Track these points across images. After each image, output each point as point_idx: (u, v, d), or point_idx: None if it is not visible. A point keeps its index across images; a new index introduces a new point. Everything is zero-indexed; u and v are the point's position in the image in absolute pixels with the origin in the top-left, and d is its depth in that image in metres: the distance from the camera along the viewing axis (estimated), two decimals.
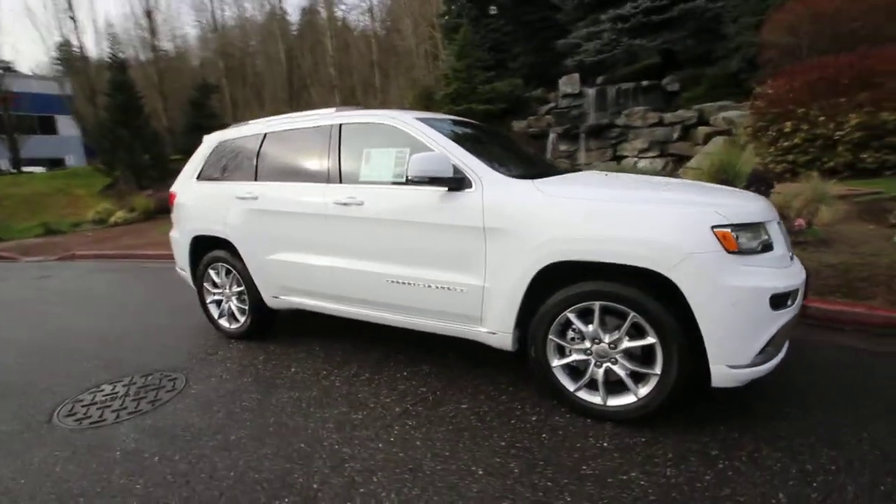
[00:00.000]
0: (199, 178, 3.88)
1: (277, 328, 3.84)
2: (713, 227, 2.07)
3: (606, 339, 2.31)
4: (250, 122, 3.83)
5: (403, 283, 2.80)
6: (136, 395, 2.91)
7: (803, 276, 2.30)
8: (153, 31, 21.12)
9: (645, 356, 2.29)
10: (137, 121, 15.32)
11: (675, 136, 12.84)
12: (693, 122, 12.67)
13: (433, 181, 2.55)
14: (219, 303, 3.85)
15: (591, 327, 2.34)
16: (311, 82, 23.67)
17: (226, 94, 21.42)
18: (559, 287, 2.38)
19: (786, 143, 8.00)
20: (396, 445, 2.26)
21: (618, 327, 2.30)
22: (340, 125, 3.13)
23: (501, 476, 2.01)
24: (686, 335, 2.14)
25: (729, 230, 2.07)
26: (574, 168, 10.52)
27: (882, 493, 1.83)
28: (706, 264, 2.05)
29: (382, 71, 22.28)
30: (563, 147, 14.93)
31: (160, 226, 10.54)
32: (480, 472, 2.04)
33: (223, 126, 16.04)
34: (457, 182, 2.57)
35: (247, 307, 3.64)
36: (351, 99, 22.37)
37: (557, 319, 2.39)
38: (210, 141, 3.92)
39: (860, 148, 7.23)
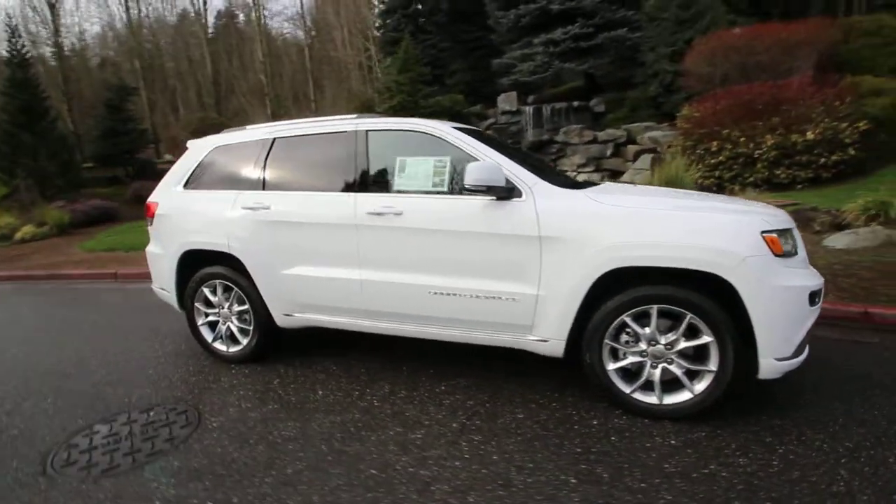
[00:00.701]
0: (187, 186, 3.51)
1: (276, 349, 3.54)
2: (762, 233, 2.28)
3: (662, 340, 2.43)
4: (248, 126, 3.55)
5: (448, 294, 2.74)
6: (145, 434, 2.53)
7: (821, 277, 2.60)
8: (56, 26, 18.72)
9: (695, 355, 2.44)
10: (42, 124, 13.40)
11: (609, 152, 13.87)
12: (623, 140, 13.79)
13: (489, 190, 2.54)
14: (213, 324, 3.49)
15: (647, 329, 2.44)
16: (242, 90, 22.38)
17: (143, 98, 19.51)
18: (613, 293, 2.46)
19: (713, 161, 8.96)
20: (474, 462, 2.19)
21: (670, 329, 2.43)
22: (367, 132, 3.01)
23: (594, 483, 2.03)
24: (739, 333, 2.31)
25: (776, 235, 2.29)
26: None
27: None
28: (759, 266, 2.24)
29: (316, 81, 21.68)
30: None
31: (80, 241, 9.33)
32: (573, 481, 2.04)
33: (142, 131, 14.70)
34: (507, 191, 2.58)
35: (251, 327, 3.33)
36: (282, 108, 21.48)
37: (614, 324, 2.47)
38: (201, 146, 3.57)
39: (774, 165, 8.31)
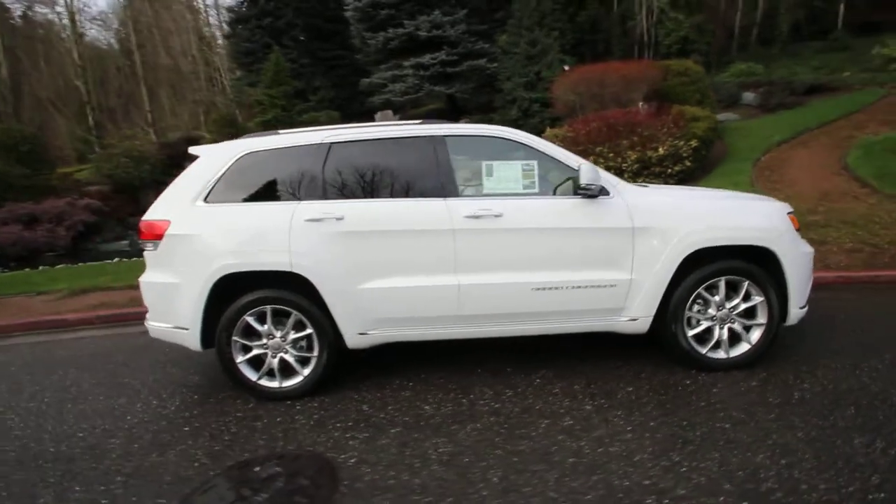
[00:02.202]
0: (209, 200, 2.95)
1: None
2: (788, 214, 3.03)
3: (727, 305, 3.00)
4: (282, 131, 3.16)
5: (550, 288, 2.90)
6: (278, 492, 2.09)
7: None
8: None
9: (745, 313, 3.06)
10: None
11: None
12: None
13: (592, 189, 2.81)
14: (256, 360, 2.96)
15: (717, 298, 2.99)
16: (50, 97, 17.89)
17: None
18: (688, 271, 2.95)
19: None
20: (642, 431, 2.41)
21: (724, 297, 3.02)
22: (444, 137, 3.00)
23: (742, 423, 2.43)
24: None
25: (793, 215, 3.07)
26: None
27: (888, 366, 2.98)
28: (790, 239, 2.97)
29: (150, 90, 18.61)
30: None
31: None
32: (727, 426, 2.42)
33: None
34: (600, 190, 2.89)
35: (314, 354, 2.95)
36: (110, 119, 17.98)
37: (692, 296, 2.96)
38: (222, 154, 3.02)
39: (636, 175, 10.25)
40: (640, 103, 11.89)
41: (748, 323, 3.03)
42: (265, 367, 2.96)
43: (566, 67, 17.61)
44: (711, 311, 3.01)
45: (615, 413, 2.60)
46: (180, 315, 2.92)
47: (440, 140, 2.99)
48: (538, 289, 2.90)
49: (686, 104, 11.66)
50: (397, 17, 17.00)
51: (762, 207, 3.07)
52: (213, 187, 2.96)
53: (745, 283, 2.96)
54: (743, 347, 3.04)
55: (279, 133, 3.14)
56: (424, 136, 3.00)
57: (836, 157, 9.29)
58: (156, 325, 3.04)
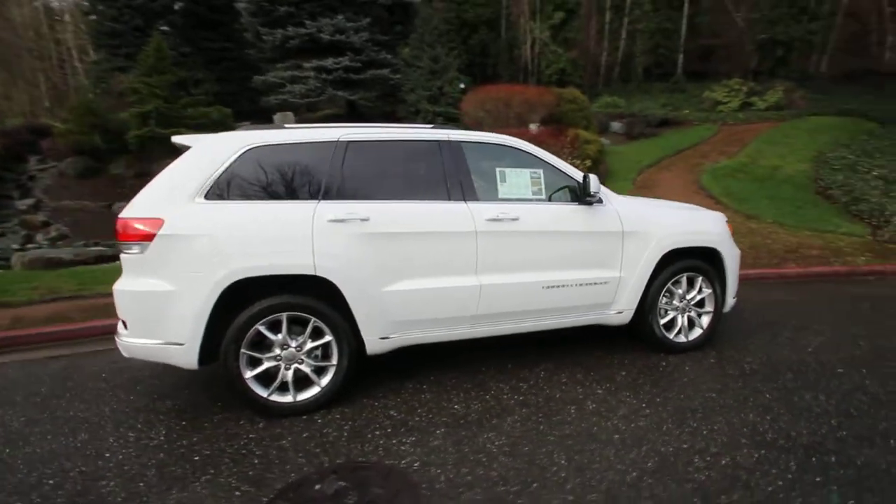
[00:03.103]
0: (210, 197, 2.62)
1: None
2: (726, 221, 3.74)
3: (688, 297, 3.58)
4: (286, 125, 2.94)
5: (559, 286, 3.17)
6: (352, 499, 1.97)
7: None
8: None
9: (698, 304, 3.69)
10: None
11: None
12: None
13: (595, 197, 3.15)
14: (266, 375, 2.69)
15: (680, 291, 3.55)
16: None
17: None
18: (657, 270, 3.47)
19: None
20: (655, 406, 2.77)
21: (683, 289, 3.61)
22: (461, 143, 3.10)
23: (724, 392, 2.94)
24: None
25: (728, 223, 3.79)
26: None
27: (793, 339, 3.85)
28: (728, 241, 3.67)
29: None
30: None
31: None
32: (713, 395, 2.90)
33: None
34: (597, 198, 3.26)
35: (332, 363, 2.78)
36: None
37: (663, 290, 3.48)
38: (226, 146, 2.70)
39: None
40: (533, 125, 13.12)
41: (700, 311, 3.65)
42: (277, 381, 2.71)
43: (462, 86, 18.61)
44: (676, 303, 3.57)
45: (624, 394, 2.94)
46: (174, 329, 2.53)
47: (458, 145, 3.09)
48: (548, 287, 3.14)
49: (575, 128, 13.18)
50: (297, 16, 16.25)
51: (709, 216, 3.75)
52: (214, 183, 2.64)
53: (700, 279, 3.57)
54: (696, 332, 3.64)
55: (285, 127, 2.93)
56: (443, 141, 3.06)
57: (692, 179, 11.32)
58: (137, 341, 2.58)
